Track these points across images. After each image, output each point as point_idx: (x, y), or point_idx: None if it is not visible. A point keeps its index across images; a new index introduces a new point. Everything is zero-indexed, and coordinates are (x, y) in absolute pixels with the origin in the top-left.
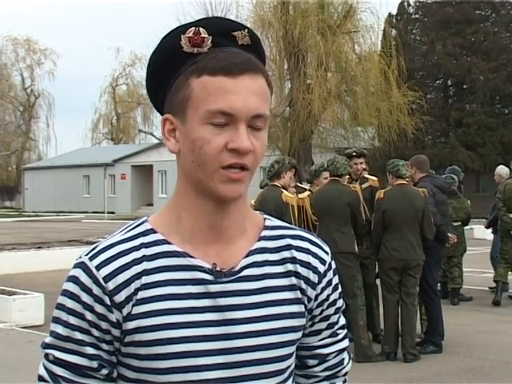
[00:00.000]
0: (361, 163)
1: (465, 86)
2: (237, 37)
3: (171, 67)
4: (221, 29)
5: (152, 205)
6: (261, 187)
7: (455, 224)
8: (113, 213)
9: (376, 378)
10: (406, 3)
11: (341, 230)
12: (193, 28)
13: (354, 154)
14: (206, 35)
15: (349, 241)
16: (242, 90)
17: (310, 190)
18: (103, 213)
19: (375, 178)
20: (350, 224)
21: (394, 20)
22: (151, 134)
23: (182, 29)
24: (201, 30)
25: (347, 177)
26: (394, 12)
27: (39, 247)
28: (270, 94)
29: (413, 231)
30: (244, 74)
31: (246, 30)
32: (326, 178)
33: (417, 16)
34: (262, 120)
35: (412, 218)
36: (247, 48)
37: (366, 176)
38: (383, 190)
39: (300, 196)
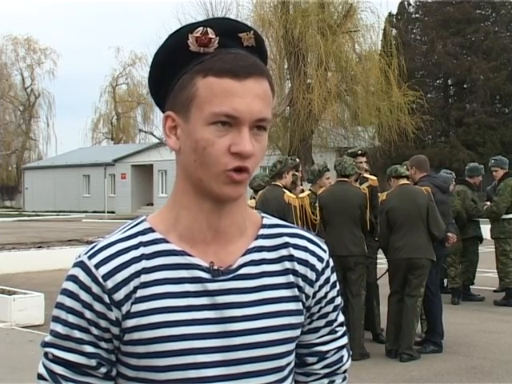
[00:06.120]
0: (365, 162)
1: (465, 86)
2: (242, 38)
3: (176, 65)
4: (227, 29)
5: (152, 204)
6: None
7: None
8: (113, 212)
9: (376, 377)
10: (406, 3)
11: (353, 232)
12: (201, 28)
13: (360, 152)
14: (213, 36)
15: (360, 243)
16: (248, 94)
17: (310, 190)
18: (103, 212)
19: (375, 178)
20: (359, 226)
21: (394, 19)
22: (151, 134)
23: (190, 28)
24: (208, 30)
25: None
26: (395, 11)
27: (39, 247)
28: (272, 97)
29: (417, 229)
30: (250, 77)
31: (252, 32)
32: (329, 178)
33: (417, 15)
34: (265, 123)
35: (415, 215)
36: (252, 49)
37: (366, 176)
38: (386, 193)
39: (300, 195)
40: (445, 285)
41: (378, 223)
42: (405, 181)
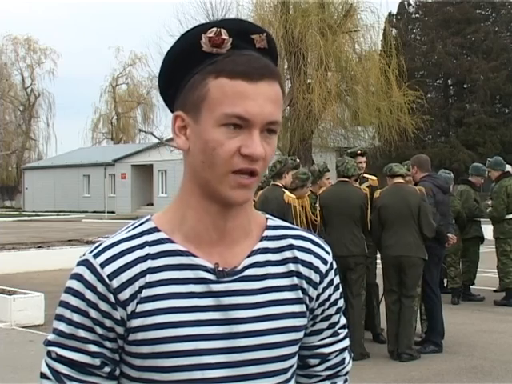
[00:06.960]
0: (364, 162)
1: (465, 86)
2: (255, 40)
3: (188, 65)
4: (241, 31)
5: (152, 204)
6: None
7: None
8: (113, 212)
9: (376, 377)
10: (406, 2)
11: (353, 232)
12: (214, 28)
13: (359, 152)
14: (227, 37)
15: (360, 243)
16: (260, 96)
17: (310, 190)
18: (103, 212)
19: (375, 178)
20: (360, 226)
21: (394, 19)
22: (151, 134)
23: (203, 28)
24: (222, 31)
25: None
26: (395, 11)
27: (39, 247)
28: (282, 100)
29: (408, 228)
30: (262, 79)
31: (265, 34)
32: (329, 179)
33: (417, 15)
34: (275, 126)
35: (406, 214)
36: (263, 51)
37: (366, 176)
38: (380, 190)
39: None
40: (445, 285)
41: (371, 220)
42: (399, 179)
